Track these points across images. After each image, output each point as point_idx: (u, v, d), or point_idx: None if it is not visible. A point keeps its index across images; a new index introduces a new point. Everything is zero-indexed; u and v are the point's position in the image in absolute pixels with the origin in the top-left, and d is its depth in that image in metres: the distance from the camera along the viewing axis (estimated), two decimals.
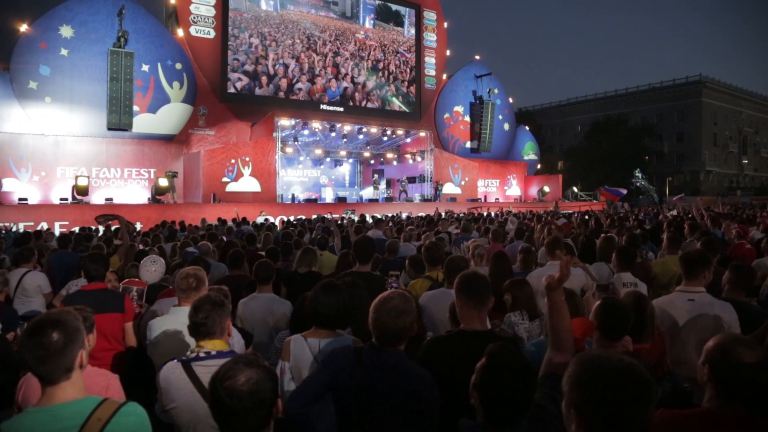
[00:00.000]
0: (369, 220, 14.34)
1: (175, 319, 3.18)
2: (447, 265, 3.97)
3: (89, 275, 3.97)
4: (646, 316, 3.02)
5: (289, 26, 28.00)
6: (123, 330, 3.83)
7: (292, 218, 17.06)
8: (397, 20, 31.96)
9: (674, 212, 18.17)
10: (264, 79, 26.80)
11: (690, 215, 11.66)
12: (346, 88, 29.68)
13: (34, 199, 19.07)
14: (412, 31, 32.28)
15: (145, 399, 2.48)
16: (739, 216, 13.05)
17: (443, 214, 17.23)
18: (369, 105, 30.51)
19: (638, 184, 32.82)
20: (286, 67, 27.63)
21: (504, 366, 1.89)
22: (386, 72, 31.38)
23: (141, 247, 7.07)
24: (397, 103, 31.63)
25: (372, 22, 30.99)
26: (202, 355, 2.44)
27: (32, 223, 15.78)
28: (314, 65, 28.67)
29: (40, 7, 20.52)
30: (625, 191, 33.75)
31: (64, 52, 20.26)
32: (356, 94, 30.14)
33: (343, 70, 29.70)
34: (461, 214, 17.47)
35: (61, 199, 19.08)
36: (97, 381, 2.32)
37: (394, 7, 31.71)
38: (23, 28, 19.63)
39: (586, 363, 1.45)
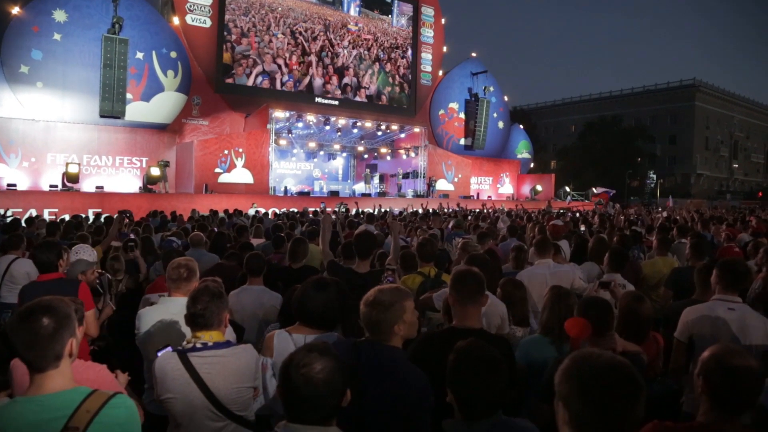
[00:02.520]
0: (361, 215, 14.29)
1: (165, 309, 3.15)
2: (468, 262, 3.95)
3: (40, 265, 3.82)
4: (643, 317, 3.03)
5: (262, 13, 25.84)
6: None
7: (285, 210, 17.01)
8: (383, 8, 30.83)
9: (664, 213, 18.27)
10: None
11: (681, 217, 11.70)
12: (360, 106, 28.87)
13: (23, 186, 18.86)
14: (402, 21, 31.64)
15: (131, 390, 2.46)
16: (727, 218, 13.12)
17: (430, 209, 17.20)
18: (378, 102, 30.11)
19: (652, 185, 33.89)
20: (271, 77, 26.38)
21: (470, 361, 1.91)
22: (396, 77, 30.86)
23: (132, 236, 7.01)
24: (404, 101, 31.49)
25: (357, 9, 29.83)
26: (198, 345, 2.43)
27: (21, 210, 15.63)
28: (312, 72, 27.13)
29: None
30: (613, 191, 34.33)
31: (57, 36, 20.04)
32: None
33: (348, 79, 28.55)
34: (451, 210, 17.46)
35: (51, 186, 18.87)
36: (86, 375, 2.29)
37: None
38: (15, 10, 19.37)
39: (578, 358, 1.47)
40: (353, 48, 29.44)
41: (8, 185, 18.20)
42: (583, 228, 9.97)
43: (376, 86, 30.01)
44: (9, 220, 9.55)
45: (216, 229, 8.44)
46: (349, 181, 31.25)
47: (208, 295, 2.48)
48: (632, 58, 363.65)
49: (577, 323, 2.65)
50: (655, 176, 33.72)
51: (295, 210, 17.20)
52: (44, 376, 1.75)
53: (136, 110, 21.61)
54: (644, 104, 60.19)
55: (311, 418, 1.66)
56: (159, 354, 2.46)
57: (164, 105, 22.64)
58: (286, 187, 25.42)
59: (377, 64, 30.23)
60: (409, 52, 31.75)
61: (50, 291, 3.33)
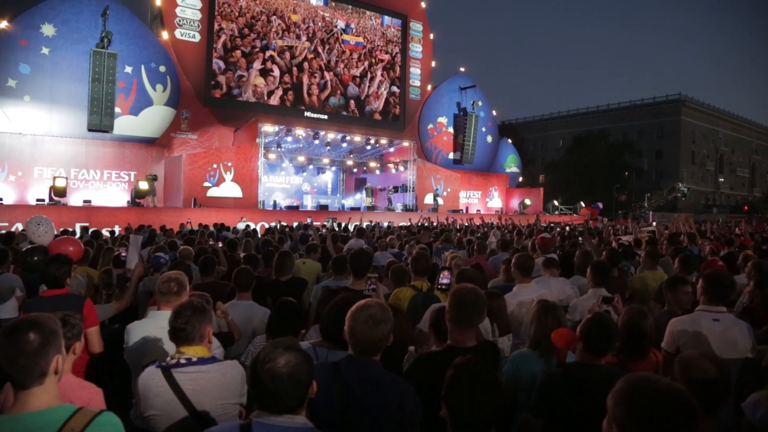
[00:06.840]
0: (350, 228, 14.28)
1: (154, 323, 3.12)
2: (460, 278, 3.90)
3: (48, 280, 3.76)
4: (645, 332, 3.03)
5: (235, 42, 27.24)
6: (85, 336, 3.71)
7: (273, 224, 16.93)
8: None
9: (648, 228, 18.35)
10: None
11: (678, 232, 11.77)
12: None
13: (9, 200, 18.67)
14: (398, 20, 31.42)
15: (118, 405, 2.43)
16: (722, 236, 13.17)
17: (419, 223, 17.17)
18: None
19: (683, 197, 34.36)
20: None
21: (469, 377, 1.90)
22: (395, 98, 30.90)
23: (119, 251, 6.93)
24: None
25: None
26: (182, 361, 2.40)
27: (6, 224, 15.46)
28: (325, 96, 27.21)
29: (21, 4, 20.19)
30: (601, 205, 34.73)
31: (45, 50, 19.95)
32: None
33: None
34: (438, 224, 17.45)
35: (38, 200, 18.69)
36: (79, 394, 2.26)
37: None
38: (3, 24, 19.26)
39: (635, 381, 1.46)
40: (358, 65, 29.16)
41: None
42: (581, 239, 10.08)
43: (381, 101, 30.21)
44: None
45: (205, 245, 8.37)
46: (338, 194, 31.23)
47: (190, 310, 2.47)
48: (619, 73, 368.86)
49: (564, 335, 2.66)
50: (685, 189, 33.36)
51: (285, 224, 17.13)
52: (28, 393, 1.72)
53: (125, 124, 21.50)
54: (631, 119, 60.91)
55: (279, 409, 1.75)
56: (142, 373, 2.43)
57: (153, 119, 22.55)
58: (275, 201, 25.32)
59: (386, 80, 30.20)
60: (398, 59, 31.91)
61: (58, 306, 3.31)
